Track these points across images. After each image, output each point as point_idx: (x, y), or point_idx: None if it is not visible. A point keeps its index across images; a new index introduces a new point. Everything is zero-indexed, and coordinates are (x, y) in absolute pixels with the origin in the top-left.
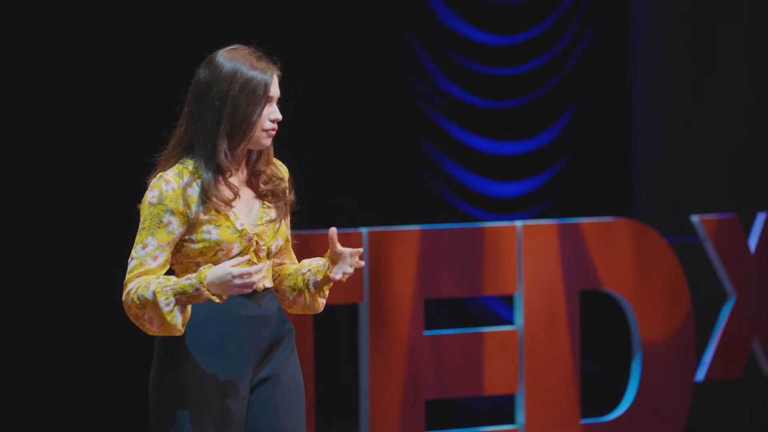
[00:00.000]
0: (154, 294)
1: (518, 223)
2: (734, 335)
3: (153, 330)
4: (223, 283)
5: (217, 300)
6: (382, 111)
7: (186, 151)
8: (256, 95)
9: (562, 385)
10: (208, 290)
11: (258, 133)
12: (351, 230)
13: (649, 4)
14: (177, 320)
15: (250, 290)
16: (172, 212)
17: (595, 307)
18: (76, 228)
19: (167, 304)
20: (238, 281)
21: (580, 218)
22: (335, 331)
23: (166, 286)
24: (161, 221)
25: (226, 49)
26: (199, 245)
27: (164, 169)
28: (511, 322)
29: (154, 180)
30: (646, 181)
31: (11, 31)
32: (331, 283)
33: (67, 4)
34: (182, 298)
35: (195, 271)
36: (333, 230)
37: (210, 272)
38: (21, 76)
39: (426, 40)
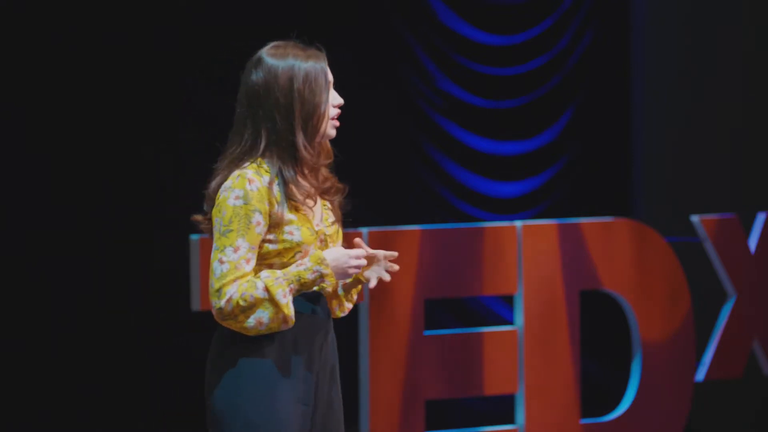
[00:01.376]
0: (267, 290)
1: (518, 223)
2: (734, 335)
3: (259, 329)
4: (340, 266)
5: (329, 286)
6: (382, 111)
7: (255, 155)
8: (319, 84)
9: (562, 385)
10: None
11: (329, 121)
12: (351, 230)
13: (649, 4)
14: (292, 311)
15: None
16: (260, 212)
17: (595, 307)
18: (76, 228)
19: (284, 296)
20: (354, 262)
21: (580, 218)
22: (335, 331)
23: (278, 279)
24: (250, 222)
25: (269, 47)
26: (279, 246)
27: (232, 172)
28: (511, 322)
29: (232, 180)
30: (646, 181)
31: (11, 31)
32: (360, 287)
33: (67, 4)
34: (296, 286)
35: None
36: (357, 240)
37: (326, 254)
38: (21, 76)
39: (426, 40)
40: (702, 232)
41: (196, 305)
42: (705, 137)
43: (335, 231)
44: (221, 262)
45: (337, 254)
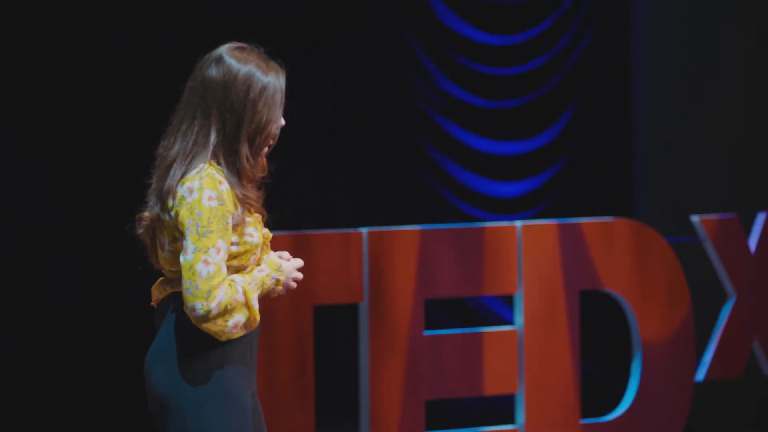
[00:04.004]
0: (245, 294)
1: (518, 223)
2: (734, 335)
3: (233, 333)
4: (288, 275)
5: (276, 293)
6: (382, 111)
7: (206, 153)
8: (275, 102)
9: (562, 385)
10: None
11: (272, 141)
12: (351, 230)
13: (649, 4)
14: (258, 315)
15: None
16: (231, 214)
17: (595, 307)
18: (76, 228)
19: (256, 301)
20: (298, 275)
21: (580, 218)
22: (335, 331)
23: (250, 284)
24: (227, 223)
25: (231, 47)
26: (241, 248)
27: (188, 170)
28: (511, 322)
29: (200, 180)
30: (646, 181)
31: (11, 31)
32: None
33: (67, 4)
34: (259, 291)
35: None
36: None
37: (277, 262)
38: (21, 76)
39: (426, 40)
40: (702, 232)
41: None
42: (705, 137)
43: (269, 235)
44: (206, 263)
45: (285, 263)
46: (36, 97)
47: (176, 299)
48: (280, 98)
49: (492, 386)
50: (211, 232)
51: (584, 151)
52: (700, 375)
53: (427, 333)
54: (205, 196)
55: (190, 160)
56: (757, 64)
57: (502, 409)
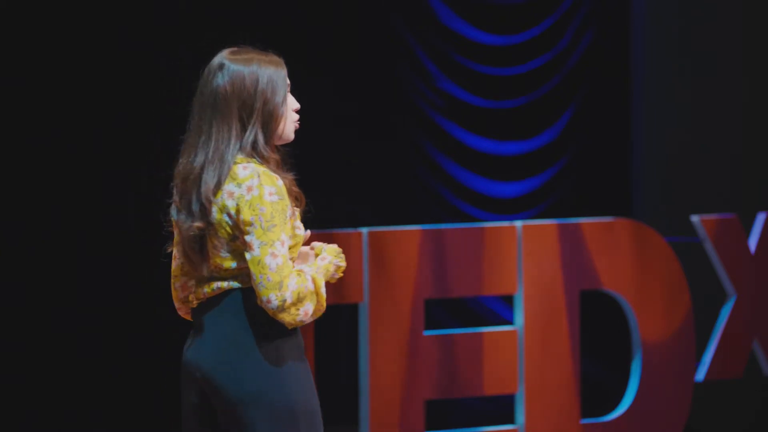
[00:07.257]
0: (314, 282)
1: (518, 223)
2: (734, 335)
3: (303, 321)
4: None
5: (335, 279)
6: (382, 111)
7: (233, 151)
8: (280, 87)
9: (562, 385)
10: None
11: (289, 124)
12: (351, 230)
13: (649, 4)
14: (325, 302)
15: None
16: (290, 207)
17: (595, 307)
18: (76, 228)
19: (324, 288)
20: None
21: (580, 218)
22: (335, 331)
23: (317, 272)
24: (287, 217)
25: (229, 53)
26: (292, 240)
27: (222, 170)
28: (511, 322)
29: (260, 178)
30: (646, 181)
31: (11, 31)
32: None
33: (68, 4)
34: (325, 278)
35: None
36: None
37: (338, 248)
38: (21, 75)
39: (426, 40)
40: (702, 232)
41: None
42: (705, 137)
43: None
44: (274, 256)
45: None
46: (36, 96)
47: (235, 296)
48: (284, 83)
49: (492, 386)
50: (275, 225)
51: (584, 151)
52: (700, 375)
53: (427, 333)
54: (266, 192)
55: (218, 162)
56: (757, 64)
57: (502, 409)
